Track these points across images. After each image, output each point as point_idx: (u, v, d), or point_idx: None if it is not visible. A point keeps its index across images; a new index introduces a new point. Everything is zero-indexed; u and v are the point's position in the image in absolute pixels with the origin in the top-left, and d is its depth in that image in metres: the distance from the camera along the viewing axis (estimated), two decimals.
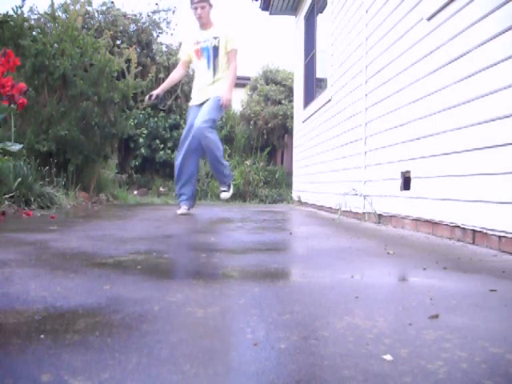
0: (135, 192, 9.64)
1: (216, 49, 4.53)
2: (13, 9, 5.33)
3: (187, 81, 11.36)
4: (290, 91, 10.43)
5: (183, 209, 4.48)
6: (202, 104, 4.49)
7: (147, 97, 4.63)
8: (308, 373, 0.75)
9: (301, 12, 7.58)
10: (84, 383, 0.69)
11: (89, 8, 10.05)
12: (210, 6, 4.55)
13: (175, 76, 4.84)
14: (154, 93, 4.65)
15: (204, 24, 4.57)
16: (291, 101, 9.99)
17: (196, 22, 4.61)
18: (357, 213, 4.30)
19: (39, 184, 4.74)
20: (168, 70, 11.02)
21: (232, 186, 4.78)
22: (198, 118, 4.32)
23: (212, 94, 4.48)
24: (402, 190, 3.41)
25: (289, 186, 9.06)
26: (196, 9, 4.48)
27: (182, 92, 11.28)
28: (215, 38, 4.53)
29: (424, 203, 3.03)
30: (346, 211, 4.47)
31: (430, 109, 2.98)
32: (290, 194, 8.56)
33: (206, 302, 1.18)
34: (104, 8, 11.10)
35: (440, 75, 2.86)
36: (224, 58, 4.55)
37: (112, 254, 1.91)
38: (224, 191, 4.70)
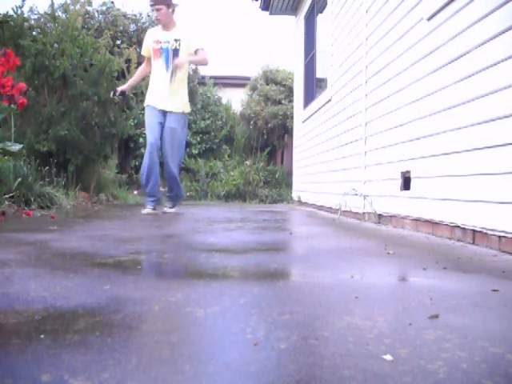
0: (135, 192, 9.64)
1: (176, 51, 4.48)
2: (13, 9, 5.33)
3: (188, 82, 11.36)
4: (290, 91, 10.42)
5: (149, 209, 4.58)
6: (160, 111, 4.48)
7: (112, 92, 4.72)
8: (308, 373, 0.75)
9: (301, 12, 7.58)
10: (84, 383, 0.69)
11: (89, 8, 10.05)
12: (169, 6, 4.48)
13: (142, 73, 4.88)
14: (119, 89, 4.71)
15: (164, 25, 4.52)
16: (291, 101, 9.98)
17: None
18: (357, 213, 4.30)
19: (39, 184, 4.74)
20: None
21: (176, 207, 4.81)
22: (168, 151, 4.45)
23: (172, 104, 4.48)
24: (401, 190, 3.41)
25: (289, 185, 9.06)
26: (153, 11, 4.49)
27: None
28: (176, 40, 4.49)
29: (424, 203, 3.03)
30: (346, 211, 4.47)
31: (429, 109, 2.98)
32: (290, 193, 8.57)
33: (205, 301, 1.18)
34: (104, 8, 11.10)
35: (440, 75, 2.86)
36: None
37: (112, 254, 1.91)
38: (167, 207, 4.74)
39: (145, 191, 4.65)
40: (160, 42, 4.52)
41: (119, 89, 4.72)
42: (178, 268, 1.80)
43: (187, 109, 4.67)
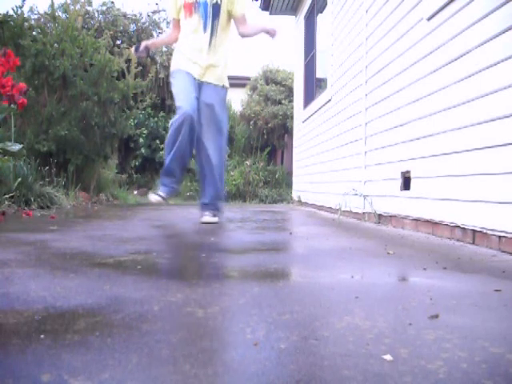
0: (135, 192, 9.65)
1: (217, 8, 3.49)
2: (13, 9, 5.34)
3: None
4: (290, 91, 10.42)
5: (157, 195, 3.48)
6: (195, 80, 3.46)
7: (134, 47, 3.73)
8: (308, 373, 0.75)
9: (301, 12, 7.59)
10: (84, 383, 0.69)
11: (89, 8, 10.07)
12: None
13: (168, 38, 3.89)
14: (143, 43, 3.71)
15: None
16: (291, 101, 9.99)
17: None
18: (357, 213, 4.30)
19: (39, 184, 4.74)
20: (168, 70, 11.06)
21: (220, 214, 3.65)
22: (205, 133, 3.44)
23: (211, 74, 3.51)
24: (402, 190, 3.41)
25: (289, 185, 9.06)
26: None
27: None
28: None
29: (424, 203, 3.03)
30: (346, 211, 4.47)
31: (429, 109, 2.98)
32: (290, 193, 8.57)
33: (205, 301, 1.18)
34: (104, 8, 11.12)
35: (440, 75, 2.86)
36: (225, 20, 3.56)
37: (112, 254, 1.91)
38: (207, 216, 3.54)
39: (164, 171, 3.48)
40: None
41: (143, 43, 3.71)
42: (178, 268, 1.80)
43: (227, 83, 3.65)
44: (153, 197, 3.49)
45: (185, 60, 3.52)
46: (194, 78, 3.47)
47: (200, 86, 3.49)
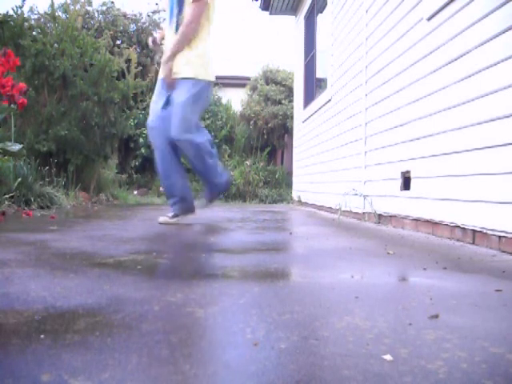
0: (135, 192, 9.64)
1: (181, 1, 3.27)
2: (13, 9, 5.34)
3: None
4: (290, 91, 10.42)
5: (167, 217, 3.35)
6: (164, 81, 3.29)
7: (151, 40, 3.55)
8: (308, 373, 0.75)
9: (301, 12, 7.59)
10: (84, 383, 0.69)
11: (89, 8, 10.06)
12: None
13: None
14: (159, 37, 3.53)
15: None
16: (291, 101, 9.98)
17: None
18: (357, 213, 4.30)
19: (39, 184, 4.74)
20: None
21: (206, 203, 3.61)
22: (172, 123, 3.16)
23: (182, 70, 3.22)
24: (402, 190, 3.41)
25: (289, 185, 9.06)
26: None
27: None
28: None
29: (424, 203, 3.03)
30: (346, 211, 4.47)
31: (429, 109, 2.98)
32: (290, 193, 8.57)
33: (205, 301, 1.18)
34: (104, 8, 11.11)
35: (440, 75, 2.86)
36: None
37: (112, 254, 1.91)
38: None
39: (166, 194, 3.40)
40: None
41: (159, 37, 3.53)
42: (177, 268, 1.80)
43: (202, 73, 3.25)
44: (162, 219, 3.31)
45: (162, 61, 3.34)
46: (163, 79, 3.30)
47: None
